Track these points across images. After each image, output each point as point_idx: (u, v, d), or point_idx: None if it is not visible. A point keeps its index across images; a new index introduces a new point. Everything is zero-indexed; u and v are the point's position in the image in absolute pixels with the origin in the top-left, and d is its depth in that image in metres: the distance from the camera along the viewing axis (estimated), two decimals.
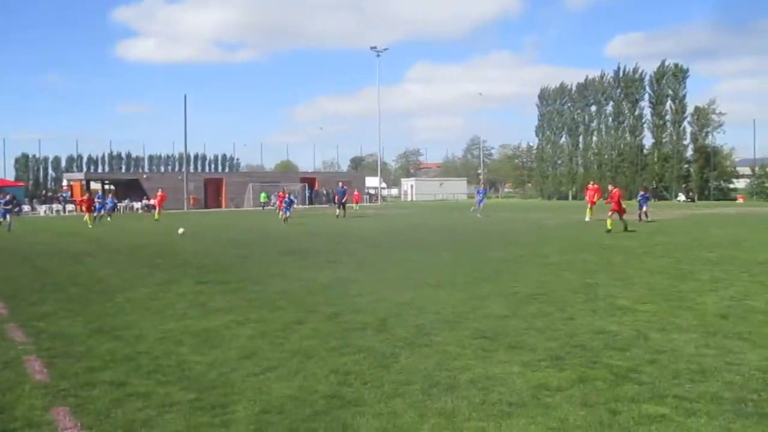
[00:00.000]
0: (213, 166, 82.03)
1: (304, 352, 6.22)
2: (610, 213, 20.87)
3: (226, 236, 22.82)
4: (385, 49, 75.23)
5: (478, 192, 37.52)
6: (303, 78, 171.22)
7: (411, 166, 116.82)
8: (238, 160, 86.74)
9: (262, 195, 55.61)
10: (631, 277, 10.69)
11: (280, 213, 31.26)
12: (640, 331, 6.86)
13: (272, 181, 62.04)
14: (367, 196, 71.30)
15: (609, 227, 20.17)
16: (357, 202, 49.67)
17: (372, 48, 73.62)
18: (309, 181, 67.54)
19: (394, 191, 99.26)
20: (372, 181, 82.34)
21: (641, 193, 26.41)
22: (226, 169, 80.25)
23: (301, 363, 5.86)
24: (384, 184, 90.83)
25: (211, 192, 61.60)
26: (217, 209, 58.11)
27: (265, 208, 52.19)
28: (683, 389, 4.93)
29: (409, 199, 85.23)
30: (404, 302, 8.72)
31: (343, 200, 34.81)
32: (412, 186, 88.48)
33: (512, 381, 5.21)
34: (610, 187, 22.57)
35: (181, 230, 22.74)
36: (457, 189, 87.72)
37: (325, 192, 66.03)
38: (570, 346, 6.25)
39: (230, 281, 11.10)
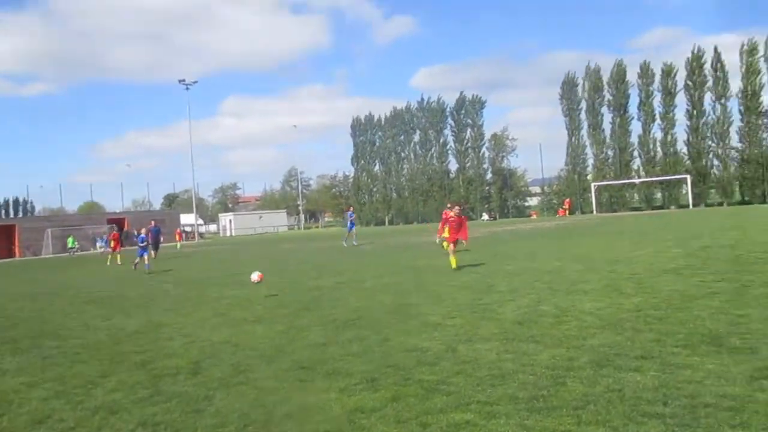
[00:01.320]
0: (3, 211, 73.58)
1: (107, 408, 5.73)
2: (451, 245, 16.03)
3: (17, 290, 20.46)
4: (195, 82, 73.32)
5: (349, 215, 33.33)
6: (107, 113, 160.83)
7: (229, 200, 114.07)
8: (32, 203, 78.78)
9: (70, 240, 50.95)
10: (441, 295, 11.32)
11: (117, 256, 28.68)
12: (449, 344, 7.27)
13: (75, 225, 57.10)
14: (184, 234, 68.23)
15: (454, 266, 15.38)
16: (180, 240, 48.23)
17: (180, 81, 71.28)
18: (117, 222, 63.06)
19: (213, 227, 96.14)
20: (188, 218, 79.05)
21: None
22: (19, 214, 72.32)
23: (104, 420, 5.39)
24: (201, 221, 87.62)
25: (1, 240, 55.05)
26: (9, 259, 52.01)
27: (75, 253, 48.08)
28: (485, 394, 5.30)
29: (228, 234, 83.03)
30: (220, 341, 8.42)
31: (159, 240, 32.69)
32: (230, 221, 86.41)
33: (329, 408, 5.23)
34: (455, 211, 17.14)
35: None
36: (277, 221, 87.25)
37: (135, 233, 62.06)
38: (385, 367, 6.44)
39: (21, 339, 9.94)
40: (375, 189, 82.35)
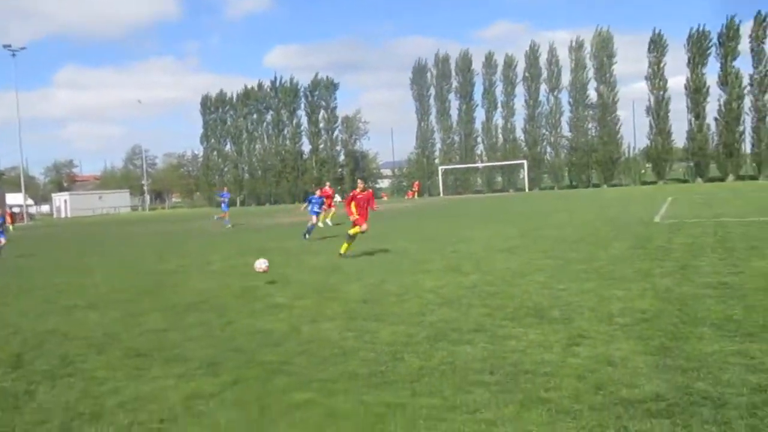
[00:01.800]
0: None
1: None
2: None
3: None
4: (23, 48, 66.54)
5: (221, 195, 31.79)
6: None
7: (64, 179, 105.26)
8: None
9: None
10: (289, 276, 11.29)
11: None
12: (294, 325, 7.28)
13: None
14: (13, 216, 62.03)
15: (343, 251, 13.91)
16: (11, 222, 43.05)
17: (5, 46, 64.27)
18: None
19: (45, 208, 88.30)
20: (15, 198, 71.98)
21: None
22: None
23: None
24: (31, 201, 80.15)
25: None
26: None
27: None
28: (327, 373, 5.38)
29: (63, 215, 76.68)
30: (47, 331, 7.78)
31: None
32: (65, 201, 79.82)
33: (165, 396, 5.04)
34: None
35: None
36: (119, 201, 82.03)
37: None
38: (227, 351, 6.32)
39: None
40: (226, 169, 79.98)
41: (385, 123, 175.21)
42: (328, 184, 31.13)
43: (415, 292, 8.89)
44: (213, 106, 79.75)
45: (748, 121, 58.91)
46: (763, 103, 57.87)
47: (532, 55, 66.98)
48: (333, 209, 26.62)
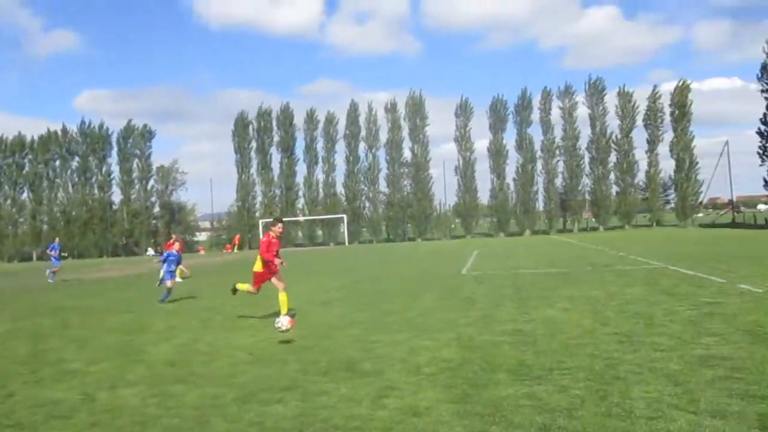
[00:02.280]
0: None
1: None
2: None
3: None
4: None
5: (51, 248, 27.78)
6: None
7: None
8: None
9: None
10: (87, 338, 10.31)
11: None
12: (88, 393, 6.62)
13: None
14: None
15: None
16: None
17: None
18: None
19: None
20: None
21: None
22: None
23: None
24: None
25: None
26: None
27: None
28: None
29: None
30: None
31: None
32: None
33: None
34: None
35: None
36: None
37: None
38: (4, 428, 5.55)
39: None
40: (22, 220, 72.08)
41: (205, 174, 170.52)
42: (174, 236, 28.69)
43: (227, 351, 8.55)
44: (9, 150, 72.04)
45: (540, 182, 66.12)
46: (552, 167, 65.42)
47: (353, 113, 69.71)
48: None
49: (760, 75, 57.25)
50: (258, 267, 11.64)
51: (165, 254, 16.65)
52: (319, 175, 69.79)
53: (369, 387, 6.24)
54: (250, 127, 70.81)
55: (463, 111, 67.78)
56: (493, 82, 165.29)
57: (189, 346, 9.15)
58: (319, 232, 70.60)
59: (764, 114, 56.77)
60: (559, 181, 66.31)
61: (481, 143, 72.90)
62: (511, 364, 6.86)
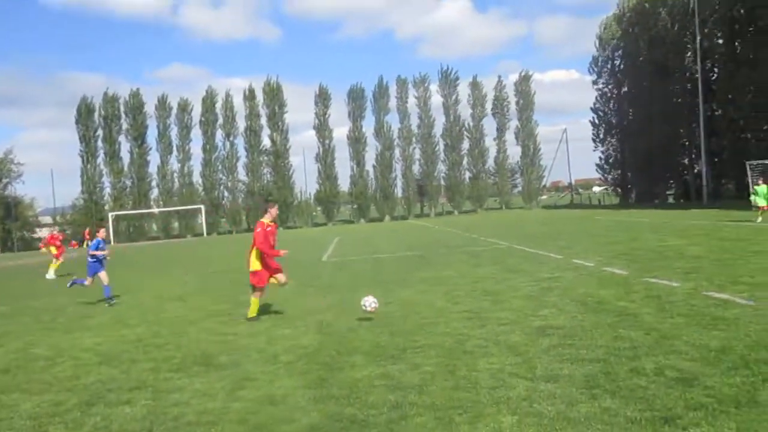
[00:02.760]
0: None
1: None
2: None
3: None
4: None
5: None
6: None
7: None
8: None
9: None
10: None
11: None
12: None
13: None
14: None
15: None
16: None
17: None
18: None
19: None
20: None
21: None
22: None
23: None
24: None
25: None
26: None
27: None
28: None
29: None
30: None
31: None
32: None
33: None
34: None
35: None
36: None
37: None
38: None
39: None
40: None
41: (45, 165, 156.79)
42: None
43: (69, 353, 7.98)
44: None
45: (399, 169, 67.89)
46: (409, 154, 67.41)
47: (209, 99, 67.26)
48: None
49: (590, 67, 62.73)
50: (256, 265, 9.50)
51: (96, 243, 13.30)
52: (174, 164, 66.84)
53: (224, 380, 6.11)
54: (96, 114, 66.05)
55: (322, 98, 67.84)
56: (352, 69, 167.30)
57: (24, 350, 8.43)
58: (176, 224, 67.68)
59: (593, 103, 62.33)
60: (416, 168, 68.55)
61: (341, 130, 73.61)
62: (367, 347, 7.03)
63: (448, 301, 9.78)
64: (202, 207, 63.53)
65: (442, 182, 69.58)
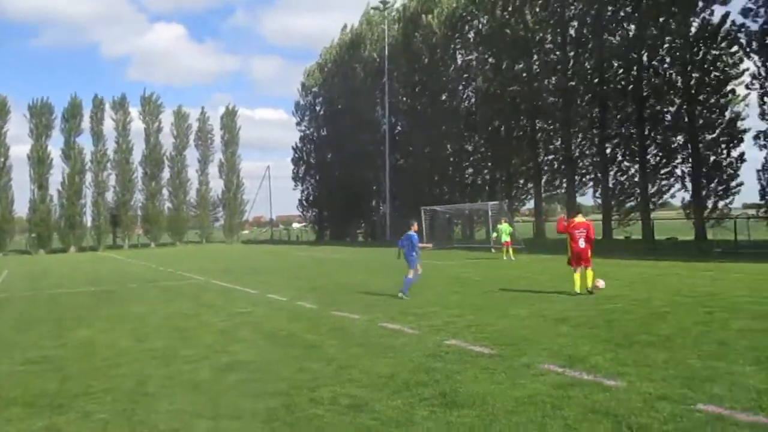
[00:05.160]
0: None
1: None
2: None
3: None
4: None
5: None
6: None
7: None
8: None
9: None
10: None
11: None
12: None
13: None
14: None
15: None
16: None
17: None
18: None
19: None
20: None
21: None
22: None
23: None
24: None
25: None
26: None
27: None
28: None
29: None
30: None
31: None
32: None
33: None
34: None
35: None
36: None
37: None
38: None
39: None
40: None
41: None
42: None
43: None
44: None
45: (89, 195, 61.86)
46: (103, 179, 62.00)
47: None
48: None
49: (294, 110, 65.91)
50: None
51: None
52: None
53: None
54: None
55: None
56: (44, 82, 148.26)
57: None
58: None
59: (295, 143, 65.44)
60: (110, 195, 63.32)
61: (21, 149, 64.73)
62: (29, 396, 6.16)
63: (133, 340, 9.14)
64: None
65: (139, 212, 65.42)
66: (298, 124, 65.19)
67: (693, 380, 5.68)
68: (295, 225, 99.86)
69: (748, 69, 28.44)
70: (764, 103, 27.26)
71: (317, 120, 63.69)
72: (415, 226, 13.17)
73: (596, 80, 35.72)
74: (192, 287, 16.97)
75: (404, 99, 51.53)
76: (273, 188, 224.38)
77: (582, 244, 11.95)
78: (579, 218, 12.57)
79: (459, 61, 46.81)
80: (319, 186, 62.99)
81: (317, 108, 63.90)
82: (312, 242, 58.25)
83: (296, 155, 65.47)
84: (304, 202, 65.43)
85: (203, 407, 5.58)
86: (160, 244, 64.31)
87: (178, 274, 22.02)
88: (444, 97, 46.84)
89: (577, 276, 11.86)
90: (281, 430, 4.87)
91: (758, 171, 28.00)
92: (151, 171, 64.33)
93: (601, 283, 11.76)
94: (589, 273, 11.93)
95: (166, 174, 65.64)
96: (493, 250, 27.13)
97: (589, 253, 12.04)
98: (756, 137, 27.92)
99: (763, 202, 28.29)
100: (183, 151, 66.60)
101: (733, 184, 30.56)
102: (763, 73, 27.22)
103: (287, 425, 4.99)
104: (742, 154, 30.25)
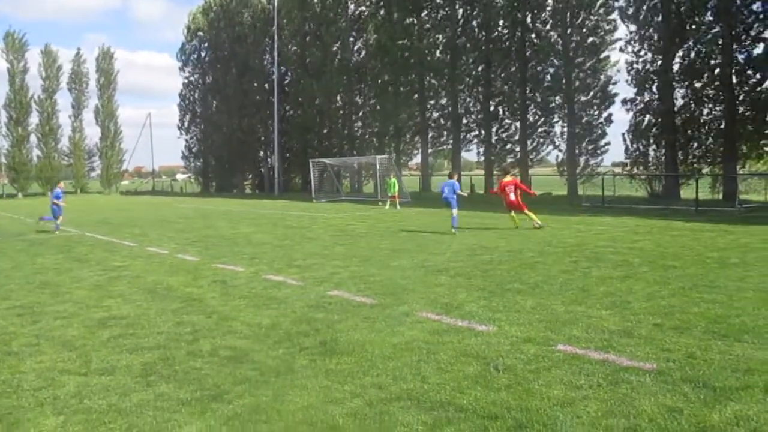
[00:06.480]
0: None
1: None
2: None
3: None
4: None
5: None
6: None
7: None
8: None
9: None
10: None
11: None
12: None
13: None
14: None
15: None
16: None
17: None
18: None
19: None
20: None
21: None
22: None
23: None
24: None
25: None
26: None
27: None
28: None
29: None
30: None
31: None
32: None
33: None
34: None
35: None
36: None
37: None
38: None
39: None
40: None
41: None
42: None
43: None
44: None
45: None
46: None
47: None
48: None
49: (178, 55, 62.49)
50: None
51: None
52: None
53: None
54: None
55: None
56: None
57: None
58: None
59: (180, 90, 62.39)
60: None
61: None
62: None
63: None
64: None
65: (4, 160, 60.22)
66: (181, 69, 62.05)
67: (555, 323, 6.15)
68: (180, 176, 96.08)
69: (620, 39, 30.17)
70: (632, 68, 29.10)
71: (202, 66, 60.86)
72: (455, 175, 16.16)
73: (482, 37, 36.58)
74: (63, 240, 15.98)
75: (294, 48, 50.26)
76: (157, 137, 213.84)
77: (513, 197, 15.44)
78: (507, 178, 15.93)
79: (350, 12, 46.16)
80: (205, 135, 60.64)
81: (203, 54, 60.97)
82: (197, 194, 56.38)
83: (182, 103, 62.50)
84: (188, 152, 62.92)
85: (72, 364, 5.36)
86: (28, 194, 59.78)
87: (48, 227, 20.62)
88: (335, 48, 46.16)
89: (511, 216, 15.66)
90: (157, 384, 4.78)
91: (623, 134, 30.13)
92: (16, 115, 59.17)
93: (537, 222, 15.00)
94: (531, 215, 15.22)
95: (34, 119, 60.70)
96: (380, 203, 27.58)
97: (520, 200, 15.45)
98: (624, 102, 29.86)
99: (628, 161, 30.53)
100: (53, 95, 61.70)
101: (602, 143, 32.83)
102: (636, 40, 28.96)
103: (163, 378, 4.91)
104: (610, 116, 32.52)
